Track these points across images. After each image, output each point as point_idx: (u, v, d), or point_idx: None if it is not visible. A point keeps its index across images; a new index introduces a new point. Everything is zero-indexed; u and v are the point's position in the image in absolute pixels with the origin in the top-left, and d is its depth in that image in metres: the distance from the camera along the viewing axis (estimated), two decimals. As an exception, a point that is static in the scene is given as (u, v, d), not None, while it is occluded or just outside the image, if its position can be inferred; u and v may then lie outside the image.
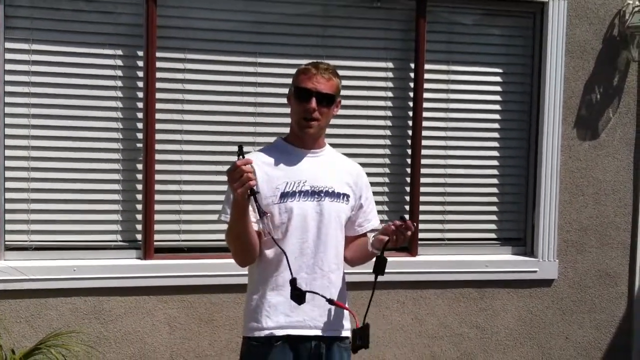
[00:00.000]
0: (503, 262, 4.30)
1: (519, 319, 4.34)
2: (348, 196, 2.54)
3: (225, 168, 2.26)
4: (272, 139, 2.64)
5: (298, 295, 2.31)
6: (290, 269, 2.34)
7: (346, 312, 2.54)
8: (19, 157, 3.75)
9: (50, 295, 3.73)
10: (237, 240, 2.40)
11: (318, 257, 2.46)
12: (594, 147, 4.38)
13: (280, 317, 2.44)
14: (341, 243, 2.54)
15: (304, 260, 2.45)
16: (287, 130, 2.60)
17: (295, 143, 2.54)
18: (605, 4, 4.33)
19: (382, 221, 2.77)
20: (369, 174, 2.70)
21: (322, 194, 2.48)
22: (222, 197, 2.53)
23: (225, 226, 2.44)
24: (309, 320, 2.46)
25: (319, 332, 2.47)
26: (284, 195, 2.44)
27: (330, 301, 2.40)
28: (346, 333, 2.55)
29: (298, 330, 2.45)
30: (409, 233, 2.39)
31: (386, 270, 3.96)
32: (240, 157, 2.21)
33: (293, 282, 2.32)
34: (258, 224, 2.40)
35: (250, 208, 2.31)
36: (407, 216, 2.56)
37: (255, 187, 2.23)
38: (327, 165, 2.55)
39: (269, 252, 2.45)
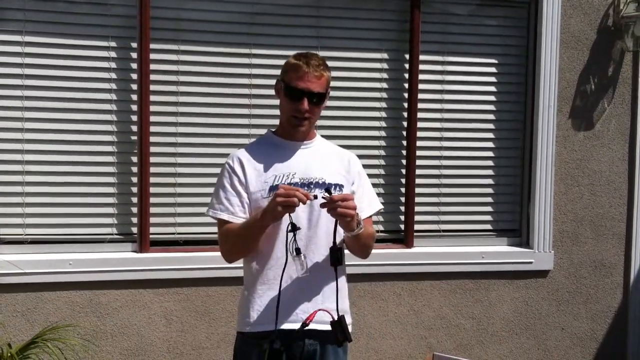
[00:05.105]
0: (499, 254, 4.30)
1: (514, 310, 4.34)
2: (341, 186, 2.50)
3: (220, 161, 2.25)
4: (266, 131, 2.64)
5: (337, 259, 2.38)
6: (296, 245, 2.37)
7: (346, 307, 2.50)
8: (12, 150, 3.73)
9: (46, 289, 3.71)
10: (239, 241, 2.42)
11: (309, 249, 2.43)
12: (589, 138, 4.38)
13: (271, 312, 2.41)
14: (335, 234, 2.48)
15: None
16: (281, 121, 2.59)
17: (285, 136, 2.54)
18: (600, -6, 4.34)
19: (379, 212, 2.75)
20: (363, 166, 2.66)
21: (312, 185, 2.45)
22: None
23: (214, 221, 2.48)
24: (300, 314, 2.42)
25: (311, 326, 2.41)
26: (273, 189, 2.41)
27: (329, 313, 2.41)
28: None
29: (290, 324, 2.42)
30: (339, 209, 2.27)
31: (382, 262, 4.02)
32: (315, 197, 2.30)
33: (332, 248, 2.38)
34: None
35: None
36: (323, 194, 2.33)
37: (296, 223, 2.32)
38: (317, 157, 2.53)
39: (260, 247, 2.44)
